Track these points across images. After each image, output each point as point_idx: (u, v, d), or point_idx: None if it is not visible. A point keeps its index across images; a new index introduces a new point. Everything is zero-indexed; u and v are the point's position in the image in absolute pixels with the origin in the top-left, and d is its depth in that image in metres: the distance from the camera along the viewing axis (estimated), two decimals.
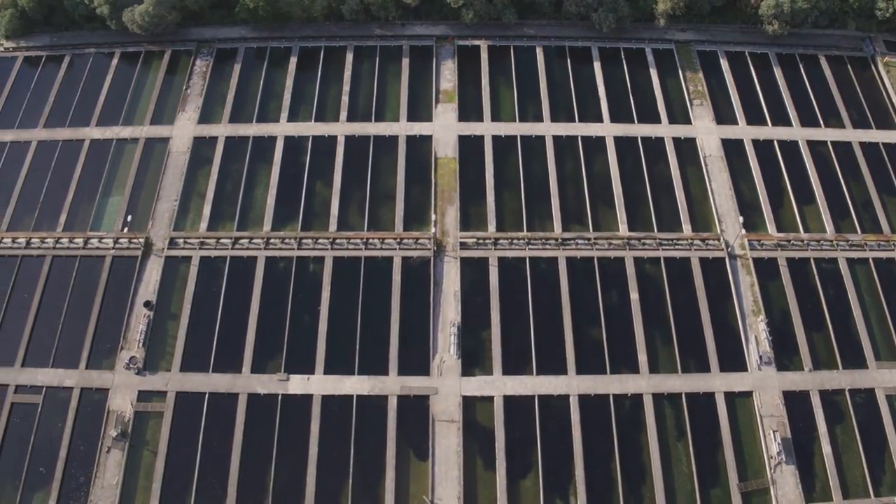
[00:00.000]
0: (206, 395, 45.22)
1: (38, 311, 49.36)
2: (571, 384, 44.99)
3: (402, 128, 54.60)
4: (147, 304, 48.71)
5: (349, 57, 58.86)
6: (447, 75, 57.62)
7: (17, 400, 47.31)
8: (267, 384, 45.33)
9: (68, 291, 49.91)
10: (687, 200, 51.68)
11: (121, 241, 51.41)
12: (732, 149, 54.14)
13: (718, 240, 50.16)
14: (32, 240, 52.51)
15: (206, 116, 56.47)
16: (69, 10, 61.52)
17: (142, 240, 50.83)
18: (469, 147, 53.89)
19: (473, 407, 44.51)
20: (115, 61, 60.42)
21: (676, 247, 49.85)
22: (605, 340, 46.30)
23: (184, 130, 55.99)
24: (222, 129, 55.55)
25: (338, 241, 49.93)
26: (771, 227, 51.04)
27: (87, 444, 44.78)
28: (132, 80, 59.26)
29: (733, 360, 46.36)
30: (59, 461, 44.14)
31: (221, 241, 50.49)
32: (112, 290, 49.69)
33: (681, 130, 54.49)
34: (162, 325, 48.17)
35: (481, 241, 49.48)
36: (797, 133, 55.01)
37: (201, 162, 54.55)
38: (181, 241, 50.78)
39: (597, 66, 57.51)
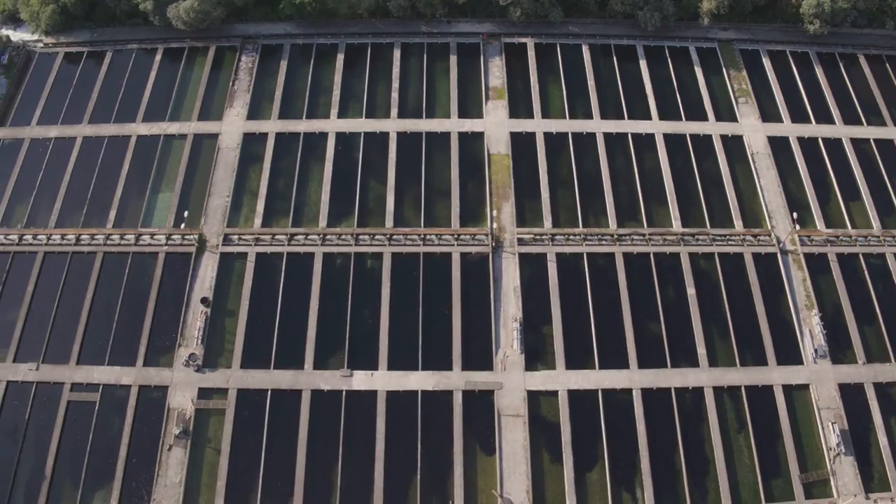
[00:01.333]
0: (269, 392, 45.05)
1: (91, 308, 48.96)
2: (633, 378, 45.42)
3: (453, 124, 54.79)
4: (204, 301, 48.32)
5: (397, 54, 58.88)
6: (495, 72, 57.90)
7: (73, 398, 46.84)
8: (330, 380, 45.24)
9: (121, 288, 49.47)
10: (737, 197, 52.35)
11: (173, 237, 50.97)
12: (778, 146, 54.98)
13: (769, 235, 50.94)
14: (82, 236, 51.91)
15: (255, 112, 56.23)
16: (110, 6, 61.02)
17: (195, 236, 50.53)
18: (521, 144, 54.24)
19: (538, 401, 44.88)
20: (158, 57, 59.97)
21: (729, 242, 50.51)
22: (664, 335, 46.77)
23: (233, 126, 55.73)
24: (272, 126, 55.34)
25: (395, 237, 49.98)
26: (819, 224, 51.93)
27: (147, 443, 44.44)
28: (177, 77, 58.90)
29: (789, 353, 47.10)
30: (119, 460, 43.78)
31: (277, 237, 50.26)
32: (166, 286, 49.36)
33: (728, 128, 55.24)
34: (219, 322, 47.83)
35: (538, 238, 49.86)
36: (840, 131, 55.96)
37: (252, 158, 54.35)
38: (235, 237, 50.45)
39: (642, 63, 58.15)
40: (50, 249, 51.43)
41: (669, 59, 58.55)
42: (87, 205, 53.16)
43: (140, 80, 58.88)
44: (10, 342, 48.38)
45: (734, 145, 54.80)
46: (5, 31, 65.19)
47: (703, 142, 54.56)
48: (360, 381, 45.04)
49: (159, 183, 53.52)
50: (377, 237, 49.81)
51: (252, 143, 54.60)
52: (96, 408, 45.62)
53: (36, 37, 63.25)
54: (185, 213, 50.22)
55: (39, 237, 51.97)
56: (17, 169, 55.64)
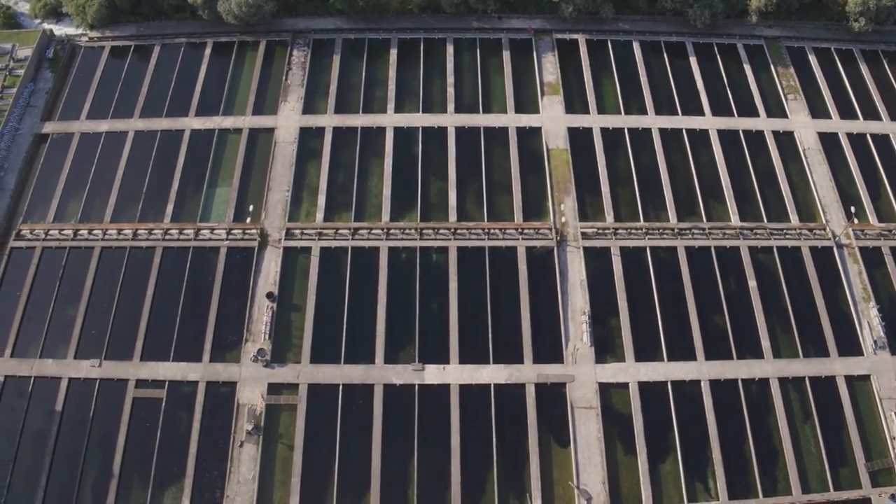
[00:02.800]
0: (340, 387, 44.97)
1: (152, 303, 48.51)
2: (701, 370, 45.83)
3: (510, 119, 55.01)
4: (270, 296, 47.98)
5: (450, 49, 58.93)
6: (549, 68, 58.19)
7: (139, 395, 46.25)
8: (402, 374, 45.22)
9: (183, 283, 49.05)
10: (791, 192, 53.12)
11: (233, 232, 50.58)
12: (828, 142, 55.71)
13: (825, 229, 51.63)
14: (139, 231, 51.41)
15: (310, 107, 56.04)
16: (157, 0, 60.41)
17: (257, 231, 50.24)
18: (578, 139, 54.54)
19: (609, 393, 45.16)
20: (207, 51, 59.42)
21: (786, 236, 51.11)
22: (728, 327, 47.33)
23: (289, 121, 55.44)
24: (328, 120, 55.16)
25: (459, 231, 50.03)
26: (872, 218, 52.72)
27: (217, 439, 44.11)
28: (228, 71, 58.43)
29: (849, 344, 47.76)
30: (189, 457, 43.35)
31: (340, 231, 50.12)
32: (229, 281, 48.98)
33: (779, 124, 55.96)
34: (285, 317, 47.64)
35: (601, 232, 50.15)
36: (888, 127, 56.71)
37: (310, 152, 54.15)
38: (298, 231, 50.22)
39: (693, 60, 58.74)
40: (107, 244, 50.91)
41: (718, 56, 59.19)
42: (142, 199, 52.58)
43: (190, 74, 58.37)
44: (70, 339, 47.75)
45: (786, 141, 55.55)
46: (47, 26, 64.44)
47: (755, 138, 55.27)
48: (433, 374, 45.05)
49: (216, 177, 53.14)
50: (441, 231, 49.83)
51: (309, 138, 54.40)
52: (163, 404, 45.11)
53: (80, 31, 62.45)
54: (251, 208, 49.84)
55: (95, 232, 51.53)
56: (68, 163, 54.97)
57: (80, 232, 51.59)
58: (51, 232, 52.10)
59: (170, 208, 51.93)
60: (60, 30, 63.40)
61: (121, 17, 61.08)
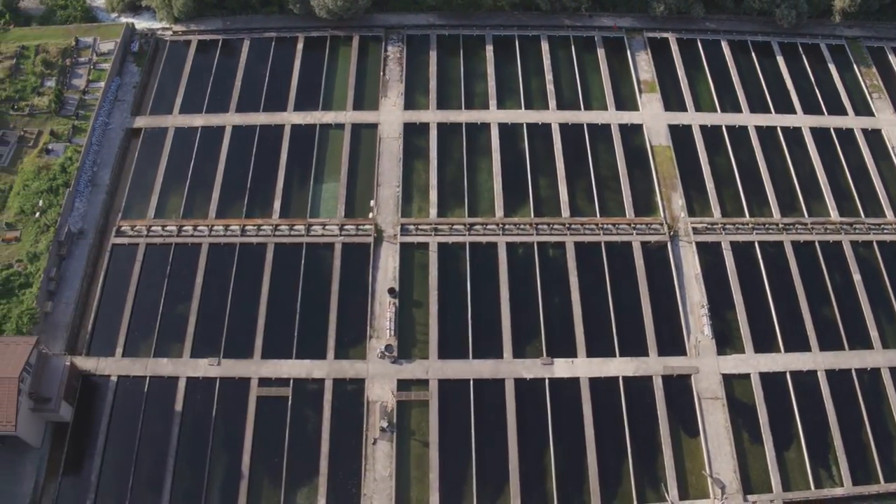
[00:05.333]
0: (471, 382, 45.05)
1: (269, 300, 48.00)
2: (817, 360, 46.99)
3: (612, 116, 55.64)
4: (391, 292, 47.76)
5: (545, 46, 59.36)
6: (643, 66, 59.03)
7: (262, 393, 45.61)
8: (532, 368, 45.48)
9: (299, 280, 48.60)
10: (884, 187, 54.57)
11: (346, 227, 50.33)
12: None
13: None
14: (247, 227, 50.78)
15: (411, 103, 55.95)
16: None
17: (371, 226, 50.11)
18: (679, 136, 55.38)
19: (732, 384, 46.07)
20: (300, 46, 58.82)
21: (884, 231, 52.65)
22: (838, 318, 48.61)
23: (391, 116, 55.25)
24: (432, 116, 55.08)
25: (573, 226, 50.53)
26: None
27: (349, 437, 43.87)
28: (322, 66, 57.99)
29: None
30: (321, 456, 43.00)
31: (455, 227, 50.12)
32: (347, 277, 48.74)
33: (867, 122, 57.51)
34: (408, 312, 47.53)
35: (710, 227, 51.04)
36: None
37: (416, 148, 54.09)
38: (412, 227, 50.12)
39: (780, 59, 60.16)
40: (214, 241, 50.11)
41: (803, 56, 60.72)
42: (247, 195, 51.93)
43: (284, 68, 57.73)
44: (185, 337, 47.01)
45: (874, 139, 57.07)
46: (124, 19, 62.74)
47: (845, 135, 56.70)
48: (562, 368, 45.43)
49: (322, 173, 52.73)
50: (556, 227, 50.21)
51: (414, 133, 54.33)
52: (289, 403, 44.63)
53: (162, 25, 61.30)
54: (372, 203, 49.57)
55: (200, 228, 50.69)
56: (164, 158, 54.04)
57: (185, 228, 50.67)
58: (153, 228, 51.12)
59: (277, 204, 51.34)
60: (141, 23, 62.12)
61: (206, 11, 60.21)
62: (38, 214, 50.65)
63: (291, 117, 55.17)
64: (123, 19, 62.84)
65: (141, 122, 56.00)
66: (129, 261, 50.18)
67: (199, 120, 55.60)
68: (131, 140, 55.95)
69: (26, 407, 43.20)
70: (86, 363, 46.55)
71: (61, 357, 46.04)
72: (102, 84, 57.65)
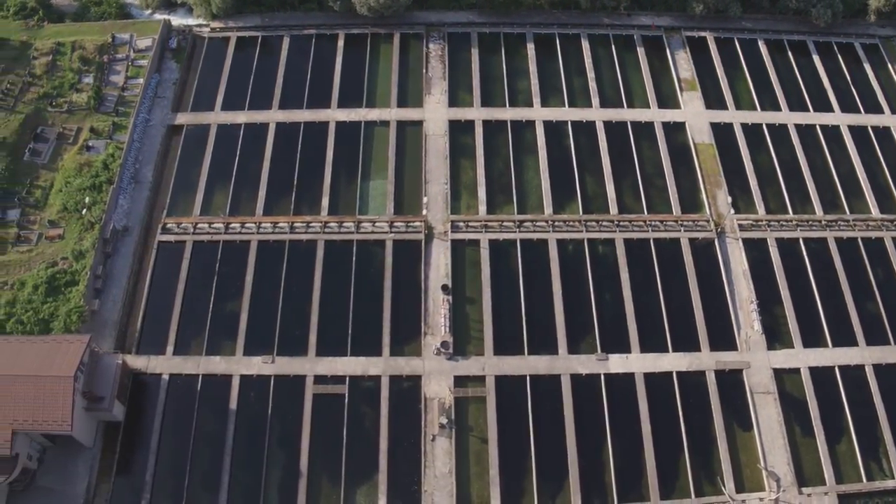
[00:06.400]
0: (527, 378, 45.25)
1: (321, 297, 47.85)
2: (864, 355, 47.59)
3: (654, 114, 56.14)
4: (445, 289, 47.72)
5: (585, 44, 59.79)
6: (683, 64, 59.61)
7: (319, 391, 45.49)
8: (587, 364, 45.72)
9: (351, 277, 48.52)
10: None
11: (396, 224, 50.35)
12: None
13: None
14: (296, 224, 50.63)
15: (455, 100, 56.21)
16: None
17: (421, 223, 50.12)
18: (721, 133, 56.03)
19: (782, 379, 46.58)
20: (340, 43, 58.83)
21: None
22: (883, 314, 49.09)
23: (436, 114, 55.33)
24: (476, 113, 55.26)
25: (621, 223, 50.87)
26: None
27: (407, 433, 43.89)
28: (364, 63, 58.08)
29: None
30: (380, 453, 42.93)
31: (505, 224, 50.32)
32: (399, 274, 48.72)
33: None
34: (461, 309, 47.55)
35: (755, 224, 51.67)
36: None
37: (462, 145, 54.27)
38: (462, 224, 50.20)
39: (816, 58, 61.04)
40: (263, 238, 49.93)
41: (839, 54, 61.56)
42: (294, 192, 51.83)
43: (325, 65, 57.79)
44: (237, 335, 46.76)
45: None
46: (158, 16, 62.36)
47: (883, 134, 57.53)
48: (617, 363, 45.69)
49: (368, 170, 52.73)
50: (604, 223, 50.54)
51: (459, 131, 54.48)
52: (346, 400, 44.61)
53: (199, 21, 60.98)
54: (426, 200, 49.61)
55: (248, 225, 50.45)
56: (208, 155, 53.80)
57: (232, 225, 50.41)
58: (199, 225, 50.78)
59: (325, 201, 51.30)
60: (176, 20, 61.72)
61: (244, 8, 60.01)
62: (84, 211, 50.36)
63: (336, 114, 55.12)
64: (158, 16, 62.48)
65: (182, 118, 55.75)
66: (176, 258, 49.93)
67: (241, 117, 55.37)
68: (173, 137, 55.70)
69: (80, 406, 42.87)
70: (136, 361, 46.22)
71: (113, 355, 45.60)
72: (141, 81, 57.31)
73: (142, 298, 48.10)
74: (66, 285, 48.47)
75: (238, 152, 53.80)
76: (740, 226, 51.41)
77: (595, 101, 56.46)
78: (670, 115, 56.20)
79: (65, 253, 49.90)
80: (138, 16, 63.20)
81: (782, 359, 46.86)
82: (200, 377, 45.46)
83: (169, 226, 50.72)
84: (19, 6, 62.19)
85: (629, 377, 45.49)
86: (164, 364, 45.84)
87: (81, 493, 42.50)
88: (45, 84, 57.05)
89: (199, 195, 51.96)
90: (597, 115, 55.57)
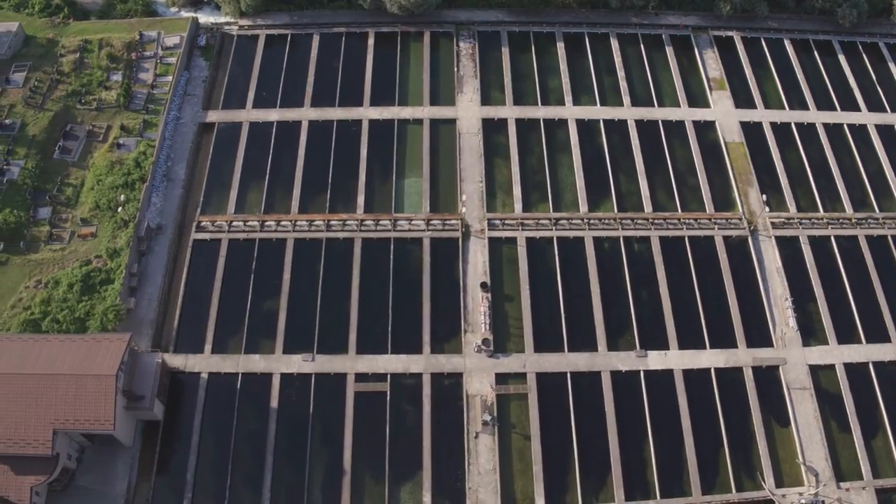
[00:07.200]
0: (568, 375, 45.44)
1: (359, 294, 47.81)
2: None
3: (685, 113, 56.51)
4: (484, 286, 47.86)
5: (615, 43, 60.07)
6: (711, 64, 60.05)
7: (360, 389, 45.48)
8: (626, 361, 46.03)
9: (389, 275, 48.53)
10: None
11: (432, 222, 50.46)
12: None
13: None
14: (332, 222, 50.66)
15: (488, 98, 56.35)
16: None
17: (458, 221, 50.21)
18: (751, 132, 56.44)
19: (818, 375, 47.05)
20: (371, 41, 58.84)
21: None
22: None
23: (469, 112, 55.46)
24: (509, 112, 55.45)
25: (656, 221, 51.20)
26: None
27: (450, 431, 43.98)
28: (395, 61, 58.14)
29: None
30: (424, 450, 43.06)
31: (541, 222, 50.60)
32: (437, 272, 48.80)
33: None
34: (500, 306, 47.79)
35: (787, 221, 52.11)
36: None
37: (496, 143, 54.41)
38: (499, 222, 50.39)
39: (841, 58, 61.57)
40: (299, 235, 49.90)
41: (864, 54, 62.17)
42: (329, 190, 51.81)
43: (356, 63, 57.75)
44: (276, 333, 46.76)
45: None
46: (185, 14, 62.00)
47: None
48: (655, 360, 46.05)
49: (403, 168, 52.81)
50: (639, 221, 50.87)
51: (492, 129, 54.63)
52: (387, 398, 44.67)
53: (226, 19, 60.73)
54: (464, 198, 49.73)
55: (284, 223, 50.42)
56: (240, 153, 53.66)
57: (268, 223, 50.36)
58: (234, 223, 50.69)
59: (361, 199, 51.28)
60: (203, 18, 61.51)
61: (272, 6, 59.85)
62: (119, 209, 50.15)
63: (368, 112, 55.13)
64: (184, 14, 62.24)
65: (213, 116, 55.55)
66: (211, 256, 49.80)
67: (273, 114, 55.24)
68: (203, 134, 55.59)
69: (120, 405, 42.71)
70: (174, 360, 46.11)
71: (153, 354, 45.45)
72: (170, 78, 57.06)
73: (178, 296, 47.98)
74: (101, 284, 48.19)
75: (271, 150, 53.66)
76: (773, 224, 51.83)
77: (626, 99, 56.84)
78: (701, 114, 56.63)
79: (98, 251, 49.70)
80: (164, 13, 62.88)
81: (817, 355, 47.33)
82: (240, 375, 45.30)
83: (203, 224, 50.60)
84: (44, 3, 61.70)
85: (668, 374, 45.81)
86: (203, 362, 45.75)
87: (122, 493, 42.29)
88: (74, 81, 56.76)
89: (233, 193, 51.85)
90: (628, 113, 55.92)
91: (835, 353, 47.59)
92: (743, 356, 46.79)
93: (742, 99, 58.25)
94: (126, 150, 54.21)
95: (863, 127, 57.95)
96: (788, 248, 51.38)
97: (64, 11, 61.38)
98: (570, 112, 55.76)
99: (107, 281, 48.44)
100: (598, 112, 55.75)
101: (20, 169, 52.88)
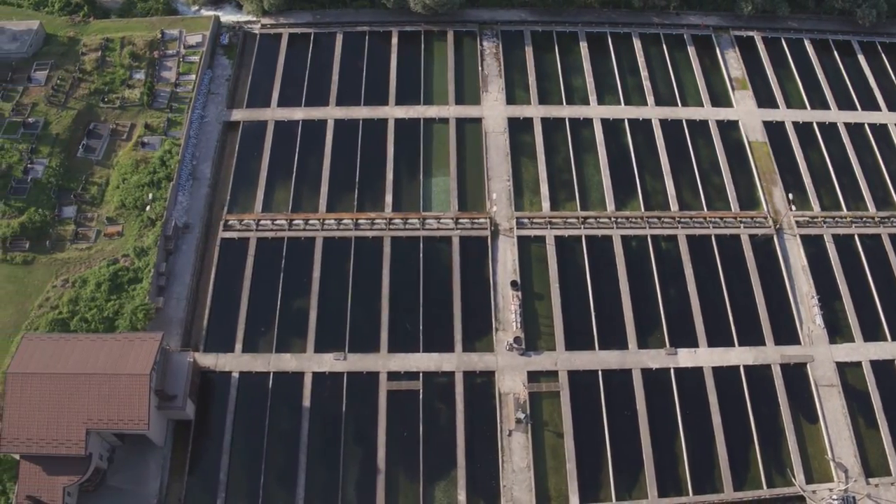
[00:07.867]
0: (599, 373, 45.68)
1: (390, 293, 47.85)
2: None
3: (708, 112, 56.93)
4: (514, 285, 48.02)
5: (637, 43, 60.41)
6: (733, 63, 60.47)
7: (393, 387, 45.53)
8: (656, 359, 46.33)
9: (419, 273, 48.67)
10: None
11: (461, 221, 50.47)
12: None
13: None
14: (360, 221, 50.61)
15: (513, 97, 56.57)
16: None
17: (487, 220, 50.35)
18: (774, 132, 56.87)
19: (845, 372, 47.55)
20: (395, 40, 58.91)
21: None
22: None
23: (494, 111, 55.63)
24: (535, 111, 55.68)
25: (683, 220, 51.47)
26: None
27: (484, 429, 44.12)
28: (420, 60, 58.25)
29: None
30: (458, 448, 43.16)
31: (569, 220, 50.79)
32: (467, 270, 48.88)
33: None
34: (530, 304, 47.93)
35: (812, 220, 52.55)
36: None
37: (522, 142, 54.63)
38: (527, 221, 50.61)
39: (861, 58, 62.20)
40: (328, 234, 49.94)
41: (883, 53, 62.77)
42: (356, 188, 51.82)
43: (381, 62, 57.86)
44: (307, 332, 46.77)
45: None
46: (205, 12, 61.94)
47: None
48: (685, 358, 46.33)
49: (430, 166, 52.92)
50: (666, 220, 51.18)
51: (518, 128, 54.82)
52: (420, 396, 44.80)
53: (248, 18, 60.68)
54: (494, 196, 49.86)
55: (312, 222, 50.43)
56: (266, 152, 53.64)
57: (296, 222, 50.43)
58: (262, 222, 50.69)
59: (389, 198, 51.33)
60: (224, 16, 61.40)
61: (295, 5, 59.80)
62: (147, 208, 50.00)
63: (394, 111, 55.20)
64: (205, 12, 62.16)
65: (238, 115, 55.45)
66: (240, 255, 49.73)
67: (298, 113, 55.21)
68: (228, 133, 55.43)
69: (153, 405, 42.60)
70: (204, 359, 46.07)
71: (185, 353, 45.36)
72: (193, 77, 56.91)
73: (206, 296, 47.90)
74: (130, 283, 48.05)
75: (297, 149, 53.63)
76: (797, 222, 52.28)
77: (650, 99, 57.19)
78: (724, 114, 57.05)
79: (125, 250, 49.55)
80: (185, 12, 62.73)
81: (844, 352, 47.79)
82: (271, 374, 45.30)
83: (231, 222, 50.52)
84: (64, 2, 61.55)
85: (698, 371, 46.14)
86: (234, 362, 45.69)
87: (154, 493, 42.18)
88: (96, 80, 56.55)
89: (260, 192, 51.79)
90: (652, 113, 56.25)
91: (861, 351, 48.04)
92: (771, 353, 47.16)
93: (764, 99, 58.72)
94: (151, 149, 54.10)
95: (883, 126, 58.52)
96: (813, 246, 51.83)
97: (84, 10, 61.18)
98: (596, 111, 56.03)
99: (135, 280, 48.34)
100: (623, 111, 56.06)
101: (44, 168, 52.71)
